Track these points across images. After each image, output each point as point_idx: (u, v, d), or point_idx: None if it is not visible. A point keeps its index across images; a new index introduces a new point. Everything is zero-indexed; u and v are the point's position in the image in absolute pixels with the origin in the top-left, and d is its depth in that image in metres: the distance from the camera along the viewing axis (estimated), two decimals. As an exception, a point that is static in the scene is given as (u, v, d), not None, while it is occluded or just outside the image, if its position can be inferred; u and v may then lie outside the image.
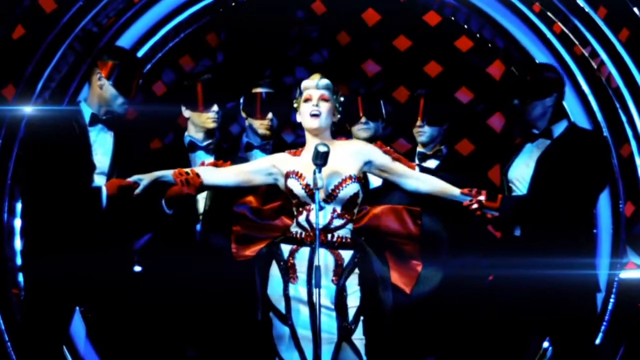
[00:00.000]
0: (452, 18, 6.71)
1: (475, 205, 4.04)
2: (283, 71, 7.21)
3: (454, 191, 4.10)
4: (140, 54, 5.80)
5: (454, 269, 4.19)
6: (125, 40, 5.72)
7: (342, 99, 4.19)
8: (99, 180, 4.18)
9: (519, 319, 4.35)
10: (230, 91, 6.65)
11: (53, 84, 5.64)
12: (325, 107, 4.01)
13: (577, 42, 6.00)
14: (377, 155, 4.12)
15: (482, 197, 4.03)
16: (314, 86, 4.04)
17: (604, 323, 5.77)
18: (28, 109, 5.49)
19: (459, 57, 6.88)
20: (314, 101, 4.00)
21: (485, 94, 6.95)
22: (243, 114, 4.89)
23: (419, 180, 4.11)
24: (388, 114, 5.77)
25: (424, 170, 4.33)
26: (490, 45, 6.62)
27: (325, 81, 4.08)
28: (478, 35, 6.62)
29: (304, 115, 4.03)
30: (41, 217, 4.18)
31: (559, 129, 4.39)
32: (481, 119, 6.99)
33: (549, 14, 6.03)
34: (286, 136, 6.60)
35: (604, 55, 5.82)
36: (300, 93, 4.09)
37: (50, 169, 4.09)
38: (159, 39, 6.04)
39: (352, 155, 4.07)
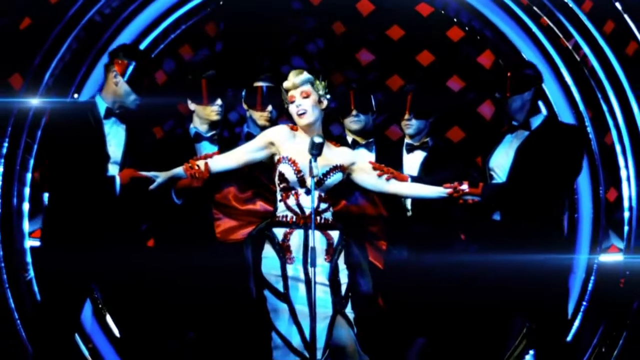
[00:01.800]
0: (442, 12, 6.86)
1: (459, 193, 4.29)
2: (280, 60, 7.29)
3: (437, 190, 4.34)
4: (142, 45, 6.04)
5: (440, 254, 4.50)
6: (129, 32, 5.97)
7: (324, 82, 4.34)
8: (113, 169, 4.44)
9: (499, 300, 4.62)
10: (229, 80, 6.86)
11: (59, 74, 5.88)
12: (308, 103, 4.21)
13: (561, 35, 6.18)
14: (360, 158, 4.40)
15: (464, 186, 4.28)
16: (293, 86, 4.23)
17: (584, 303, 6.04)
18: (35, 101, 5.77)
19: (451, 46, 7.02)
20: (297, 101, 4.21)
21: (475, 82, 7.08)
22: (244, 106, 5.11)
23: (398, 184, 4.35)
24: (380, 103, 5.99)
25: (416, 180, 4.56)
26: (479, 37, 6.78)
27: (301, 77, 4.23)
28: (467, 28, 6.81)
29: (293, 116, 4.26)
30: (61, 201, 4.46)
31: (536, 121, 4.66)
32: (472, 107, 7.13)
33: (534, 8, 6.22)
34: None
35: (586, 48, 6.04)
36: (286, 93, 4.29)
37: (69, 157, 4.37)
38: (160, 31, 6.28)
39: (340, 153, 4.33)
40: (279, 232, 4.16)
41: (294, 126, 4.34)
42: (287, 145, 4.23)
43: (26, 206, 5.76)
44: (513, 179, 4.52)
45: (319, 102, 4.24)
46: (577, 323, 6.06)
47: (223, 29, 7.05)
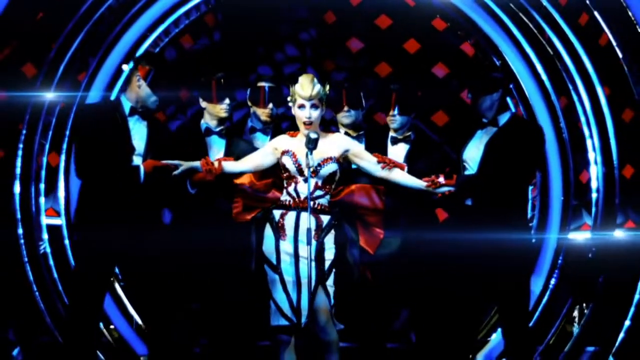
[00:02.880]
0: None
1: (436, 185, 4.81)
2: (274, 48, 7.63)
3: (419, 182, 4.83)
4: (148, 41, 6.47)
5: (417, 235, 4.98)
6: (136, 28, 6.36)
7: (328, 92, 4.78)
8: (137, 160, 4.90)
9: (470, 275, 5.03)
10: (227, 66, 7.19)
11: (71, 66, 6.27)
12: (316, 113, 4.66)
13: (535, 31, 6.54)
14: (353, 145, 4.85)
15: (441, 179, 4.80)
16: (306, 97, 4.64)
17: (554, 278, 6.44)
18: (50, 95, 6.22)
19: (436, 35, 7.33)
20: (307, 111, 4.64)
21: (459, 69, 7.39)
22: (249, 103, 5.53)
23: (388, 172, 4.84)
24: (369, 88, 6.42)
25: (411, 172, 5.04)
26: (459, 31, 7.14)
27: (317, 91, 4.66)
28: (449, 23, 7.16)
29: (298, 119, 4.70)
30: (92, 187, 4.92)
31: (503, 118, 5.07)
32: (455, 93, 7.44)
33: (511, 5, 6.57)
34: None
35: (558, 45, 6.41)
36: (294, 93, 4.70)
37: (99, 149, 4.83)
38: (165, 26, 6.66)
39: (335, 144, 4.77)
40: (277, 213, 4.67)
41: (293, 133, 4.81)
42: (288, 142, 4.73)
43: (42, 186, 6.26)
44: (483, 170, 4.96)
45: (322, 110, 4.71)
46: (546, 297, 6.44)
47: (221, 20, 7.36)
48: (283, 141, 4.75)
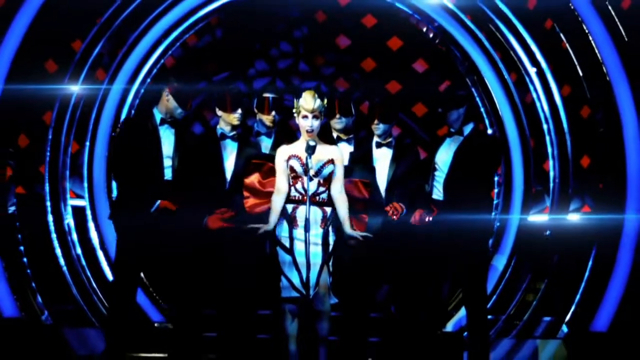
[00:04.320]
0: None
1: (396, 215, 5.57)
2: (270, 44, 8.00)
3: (344, 215, 5.33)
4: (165, 43, 7.11)
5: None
6: (154, 32, 7.06)
7: (325, 103, 5.36)
8: (166, 162, 5.41)
9: (442, 254, 5.64)
10: (228, 60, 7.71)
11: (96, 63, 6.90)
12: (316, 123, 5.29)
13: (503, 40, 7.11)
14: (338, 158, 5.39)
15: (430, 218, 5.56)
16: (309, 110, 5.27)
17: (515, 256, 6.96)
18: (75, 88, 6.82)
19: (416, 34, 7.67)
20: (309, 120, 5.27)
21: (437, 65, 7.82)
22: (255, 110, 6.02)
23: (337, 197, 5.36)
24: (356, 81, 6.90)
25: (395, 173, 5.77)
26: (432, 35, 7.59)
27: (318, 104, 5.29)
28: (426, 30, 7.61)
29: (301, 127, 5.32)
30: (127, 186, 5.49)
31: (467, 129, 5.72)
32: (434, 86, 7.76)
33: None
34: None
35: (520, 51, 7.03)
36: (298, 106, 5.33)
37: (135, 153, 5.40)
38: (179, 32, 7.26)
39: (330, 150, 5.38)
40: (289, 207, 5.30)
41: (289, 143, 5.40)
42: (293, 149, 5.32)
43: (67, 172, 6.87)
44: (453, 171, 5.59)
45: (321, 119, 5.33)
46: (508, 273, 6.95)
47: (223, 19, 7.73)
48: (287, 150, 5.34)
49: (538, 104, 6.98)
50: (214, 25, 7.75)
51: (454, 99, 5.69)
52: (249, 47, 7.98)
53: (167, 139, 5.48)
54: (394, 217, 5.57)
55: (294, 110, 5.34)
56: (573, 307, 6.88)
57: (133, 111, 7.14)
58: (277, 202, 5.29)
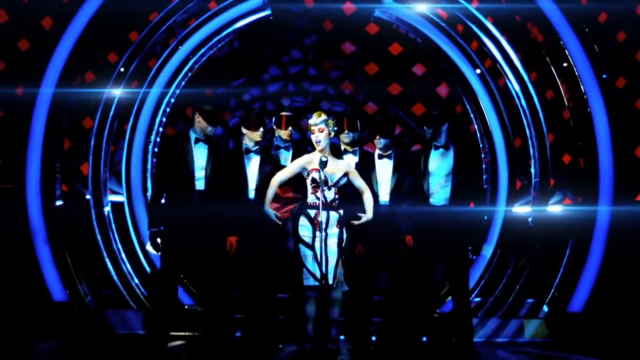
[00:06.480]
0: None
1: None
2: (282, 52, 8.43)
3: (369, 211, 6.03)
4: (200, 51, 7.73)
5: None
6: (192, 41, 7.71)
7: (333, 121, 6.05)
8: (199, 174, 5.95)
9: (435, 245, 6.11)
10: (244, 66, 8.20)
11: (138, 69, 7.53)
12: (322, 135, 5.99)
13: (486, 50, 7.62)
14: (352, 169, 6.15)
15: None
16: (314, 125, 5.99)
17: (501, 244, 7.39)
18: (117, 91, 7.46)
19: (415, 41, 8.05)
20: (316, 134, 6.00)
21: (435, 68, 8.23)
22: (274, 127, 6.59)
23: (364, 195, 6.10)
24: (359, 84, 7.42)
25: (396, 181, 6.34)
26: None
27: (320, 119, 5.98)
28: (419, 40, 8.01)
29: (312, 141, 6.02)
30: (164, 195, 6.09)
31: (451, 142, 6.20)
32: (431, 87, 8.33)
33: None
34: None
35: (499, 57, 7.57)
36: (309, 125, 6.04)
37: (173, 168, 5.96)
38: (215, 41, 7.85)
39: (343, 165, 6.08)
40: (312, 212, 5.96)
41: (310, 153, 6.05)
42: (312, 163, 5.96)
43: (106, 172, 7.51)
44: (447, 178, 6.11)
45: (329, 134, 6.03)
46: (494, 261, 7.39)
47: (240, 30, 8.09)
48: (307, 161, 5.98)
49: (522, 114, 7.52)
50: (232, 37, 8.19)
51: (437, 117, 6.15)
52: (263, 54, 8.41)
53: (201, 154, 6.06)
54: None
55: (309, 130, 6.05)
56: (552, 290, 7.27)
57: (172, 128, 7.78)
58: (272, 187, 5.98)
